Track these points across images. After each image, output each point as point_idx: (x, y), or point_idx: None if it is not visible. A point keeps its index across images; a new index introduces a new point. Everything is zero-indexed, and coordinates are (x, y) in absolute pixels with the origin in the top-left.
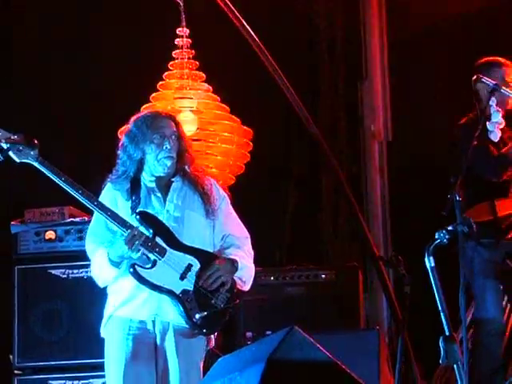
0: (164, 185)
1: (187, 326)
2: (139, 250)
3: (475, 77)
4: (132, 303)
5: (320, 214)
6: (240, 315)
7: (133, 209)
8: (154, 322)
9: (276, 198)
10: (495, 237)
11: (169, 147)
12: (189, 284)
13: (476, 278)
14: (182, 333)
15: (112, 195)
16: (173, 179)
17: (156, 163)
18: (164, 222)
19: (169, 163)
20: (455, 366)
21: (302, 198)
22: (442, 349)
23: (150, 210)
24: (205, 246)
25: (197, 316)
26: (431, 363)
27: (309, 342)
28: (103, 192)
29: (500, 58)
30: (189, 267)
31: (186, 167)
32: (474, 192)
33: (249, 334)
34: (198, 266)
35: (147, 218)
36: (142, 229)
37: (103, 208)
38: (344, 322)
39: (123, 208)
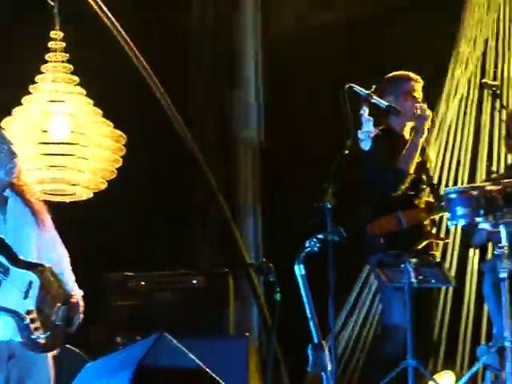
0: None
1: (33, 346)
2: None
3: (347, 86)
4: None
5: (192, 220)
6: (110, 320)
7: None
8: (3, 343)
9: (149, 203)
10: (401, 248)
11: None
12: (31, 303)
13: (383, 286)
14: (28, 354)
15: None
16: (5, 194)
17: None
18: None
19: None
20: (323, 373)
21: (174, 203)
22: (310, 356)
23: None
24: (40, 259)
25: (42, 336)
26: (301, 371)
27: (178, 349)
28: None
29: (410, 74)
30: (30, 284)
31: (15, 181)
32: (378, 204)
33: (118, 340)
34: (38, 282)
35: None
36: None
37: None
38: (214, 328)
39: None
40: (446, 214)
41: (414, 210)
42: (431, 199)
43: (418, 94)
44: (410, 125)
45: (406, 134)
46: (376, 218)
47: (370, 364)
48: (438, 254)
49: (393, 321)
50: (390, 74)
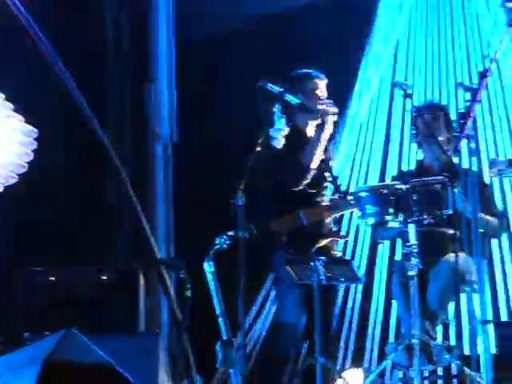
0: None
1: None
2: None
3: (261, 83)
4: None
5: (103, 216)
6: (19, 315)
7: None
8: None
9: (60, 199)
10: (303, 246)
11: None
12: None
13: (280, 283)
14: None
15: None
16: None
17: None
18: None
19: None
20: (231, 370)
21: (85, 197)
22: (219, 353)
23: None
24: None
25: None
26: (211, 367)
27: (86, 345)
28: None
29: (313, 71)
30: None
31: None
32: (280, 202)
33: (27, 335)
34: None
35: None
36: None
37: None
38: (124, 324)
39: None
40: (349, 212)
41: (315, 208)
42: (335, 197)
43: (322, 92)
44: (313, 122)
45: (310, 131)
46: (278, 215)
47: (265, 362)
48: (338, 253)
49: (284, 318)
50: (294, 73)
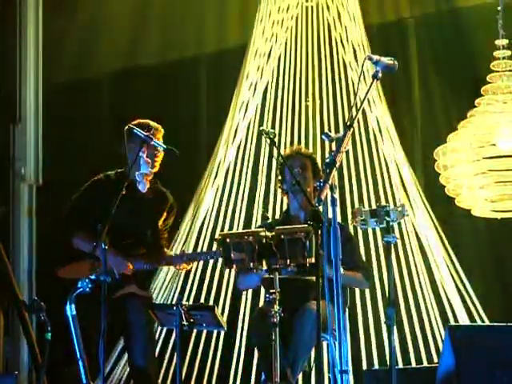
0: None
1: None
2: None
3: (127, 127)
4: None
5: None
6: None
7: None
8: None
9: None
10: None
11: None
12: None
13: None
14: None
15: None
16: None
17: None
18: None
19: None
20: None
21: None
22: None
23: None
24: None
25: None
26: None
27: None
28: None
29: (151, 122)
30: None
31: None
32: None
33: None
34: None
35: None
36: None
37: None
38: None
39: None
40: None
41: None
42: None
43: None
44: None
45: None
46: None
47: None
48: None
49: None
50: (133, 123)
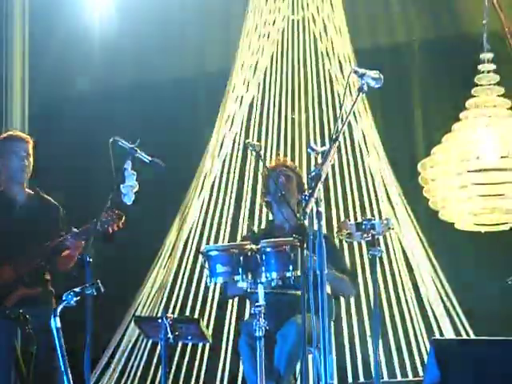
0: None
1: None
2: None
3: (112, 139)
4: None
5: None
6: None
7: None
8: None
9: None
10: None
11: None
12: None
13: None
14: None
15: None
16: None
17: None
18: None
19: None
20: None
21: None
22: None
23: None
24: None
25: None
26: None
27: None
28: None
29: (21, 134)
30: None
31: None
32: None
33: None
34: None
35: None
36: None
37: None
38: None
39: None
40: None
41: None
42: None
43: (26, 153)
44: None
45: None
46: None
47: None
48: None
49: None
50: (4, 134)
